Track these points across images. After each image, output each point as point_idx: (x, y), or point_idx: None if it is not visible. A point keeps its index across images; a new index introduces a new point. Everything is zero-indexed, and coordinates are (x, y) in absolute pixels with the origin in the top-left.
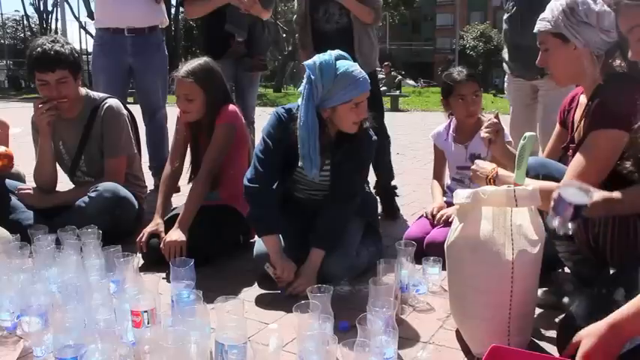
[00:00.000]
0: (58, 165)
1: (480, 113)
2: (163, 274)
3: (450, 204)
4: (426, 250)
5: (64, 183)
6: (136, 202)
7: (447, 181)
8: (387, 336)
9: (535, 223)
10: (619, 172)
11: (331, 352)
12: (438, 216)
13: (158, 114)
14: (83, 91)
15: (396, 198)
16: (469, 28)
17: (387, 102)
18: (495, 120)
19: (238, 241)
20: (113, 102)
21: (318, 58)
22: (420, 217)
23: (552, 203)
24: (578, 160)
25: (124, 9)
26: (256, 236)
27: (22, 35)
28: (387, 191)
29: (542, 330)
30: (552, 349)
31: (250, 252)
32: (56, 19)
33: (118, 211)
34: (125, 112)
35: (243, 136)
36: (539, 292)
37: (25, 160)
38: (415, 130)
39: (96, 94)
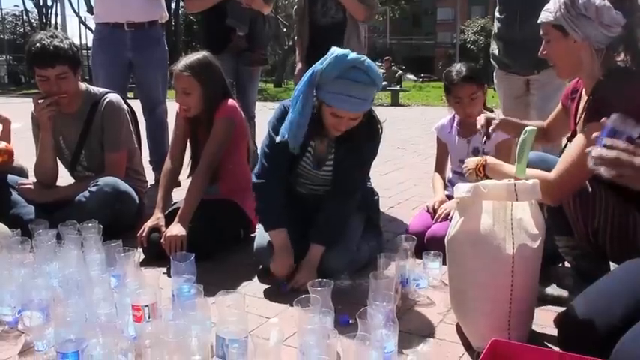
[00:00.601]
0: (58, 160)
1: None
2: (164, 269)
3: (451, 197)
4: (427, 245)
5: (64, 178)
6: (136, 197)
7: (449, 174)
8: (388, 330)
9: (535, 217)
10: None
11: (332, 346)
12: (439, 212)
13: (158, 109)
14: (83, 85)
15: (398, 192)
16: (470, 23)
17: (387, 96)
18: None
19: (239, 235)
20: (113, 97)
21: (342, 51)
22: (421, 211)
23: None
24: (569, 151)
25: (123, 3)
26: (257, 230)
27: (21, 30)
28: None
29: (542, 324)
30: (552, 344)
31: (251, 246)
32: (56, 14)
33: (119, 206)
34: (125, 106)
35: (242, 131)
36: (539, 286)
37: (25, 155)
38: (416, 124)
39: (96, 89)
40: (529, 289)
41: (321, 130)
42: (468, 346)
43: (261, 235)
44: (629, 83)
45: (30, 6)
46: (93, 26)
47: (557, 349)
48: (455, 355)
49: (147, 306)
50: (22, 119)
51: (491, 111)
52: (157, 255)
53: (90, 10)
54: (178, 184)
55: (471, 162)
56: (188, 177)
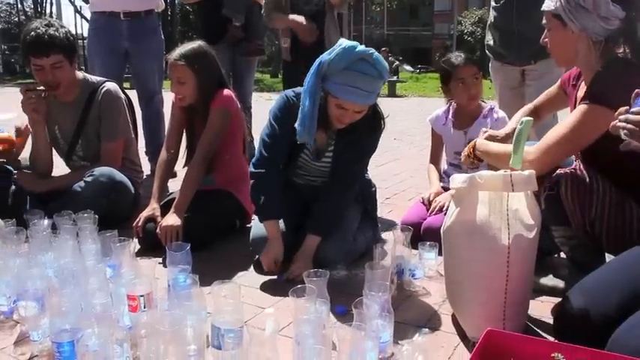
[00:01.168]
0: (53, 149)
1: (480, 99)
2: (159, 259)
3: (447, 189)
4: (423, 236)
5: (59, 168)
6: (132, 187)
7: (444, 166)
8: (383, 320)
9: (531, 207)
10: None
11: (327, 336)
12: (434, 205)
13: (154, 99)
14: (80, 74)
15: (394, 183)
16: (467, 14)
17: (384, 87)
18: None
19: (234, 225)
20: (111, 86)
21: (350, 43)
22: (415, 203)
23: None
24: (557, 127)
25: None
26: (253, 221)
27: (16, 19)
28: None
29: (537, 315)
30: (548, 334)
31: (246, 236)
32: (51, 3)
33: (114, 196)
34: (123, 96)
35: (238, 121)
36: (535, 277)
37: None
38: (412, 115)
39: (93, 78)
40: (524, 280)
41: (325, 122)
42: (463, 336)
43: (257, 226)
44: (629, 74)
45: None
46: (88, 15)
47: (552, 339)
48: (450, 345)
49: (142, 296)
50: (16, 109)
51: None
52: (152, 245)
53: None
54: (174, 175)
55: (465, 150)
56: (184, 167)
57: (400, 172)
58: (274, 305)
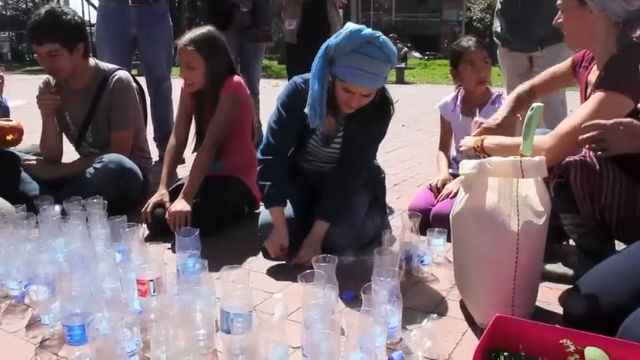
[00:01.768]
0: (64, 135)
1: (489, 84)
2: (169, 244)
3: (455, 175)
4: (432, 222)
5: (69, 154)
6: (140, 174)
7: (453, 152)
8: (392, 306)
9: (541, 194)
10: None
11: (336, 322)
12: (443, 191)
13: (163, 85)
14: (92, 62)
15: (402, 170)
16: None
17: (392, 74)
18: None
19: (243, 211)
20: (123, 74)
21: (357, 26)
22: (423, 189)
23: None
24: (574, 115)
25: None
26: (261, 207)
27: (24, 7)
28: None
29: (546, 302)
30: (556, 321)
31: (255, 222)
32: None
33: (123, 182)
34: (135, 84)
35: (247, 107)
36: (544, 264)
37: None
38: (421, 102)
39: (105, 65)
40: (533, 266)
41: (333, 107)
42: (471, 322)
43: (265, 212)
44: None
45: None
46: (95, 2)
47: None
48: (458, 331)
49: (152, 280)
50: (26, 96)
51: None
52: (161, 230)
53: None
54: (183, 161)
55: (468, 141)
56: (193, 152)
57: (408, 159)
58: (283, 290)
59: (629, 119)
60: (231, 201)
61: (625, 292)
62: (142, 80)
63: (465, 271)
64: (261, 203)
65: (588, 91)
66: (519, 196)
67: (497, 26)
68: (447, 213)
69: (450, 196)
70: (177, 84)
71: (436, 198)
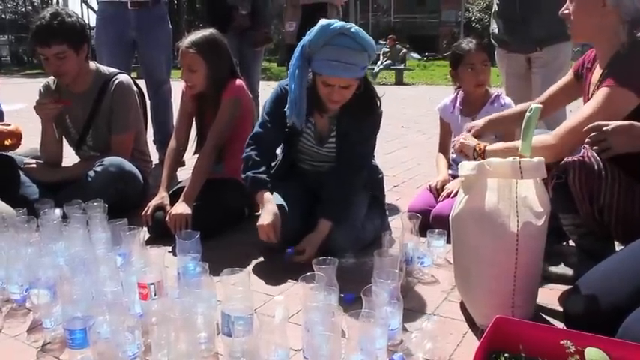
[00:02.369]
0: (64, 138)
1: (488, 85)
2: (169, 247)
3: (455, 177)
4: (432, 223)
5: (69, 158)
6: (141, 177)
7: (453, 154)
8: (392, 307)
9: (540, 195)
10: None
11: (336, 323)
12: (443, 193)
13: (162, 88)
14: (93, 65)
15: (402, 171)
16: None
17: (391, 75)
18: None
19: (243, 213)
20: (124, 78)
21: (327, 20)
22: (422, 190)
23: None
24: (580, 112)
25: None
26: (261, 210)
27: (23, 10)
28: None
29: (546, 302)
30: (557, 322)
31: (255, 225)
32: None
33: (123, 186)
34: (135, 88)
35: (248, 110)
36: (544, 264)
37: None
38: (420, 103)
39: (106, 69)
40: (533, 267)
41: (319, 105)
42: (472, 323)
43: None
44: None
45: None
46: (94, 5)
47: (561, 326)
48: (459, 332)
49: (153, 284)
50: (25, 99)
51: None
52: (161, 233)
53: None
54: (183, 164)
55: (467, 143)
56: (194, 154)
57: (408, 160)
58: (283, 292)
59: (628, 123)
60: (231, 204)
61: (625, 292)
62: (142, 83)
63: (465, 273)
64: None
65: (591, 89)
66: (519, 197)
67: (494, 28)
68: (447, 214)
69: (452, 195)
70: (177, 87)
71: (436, 199)
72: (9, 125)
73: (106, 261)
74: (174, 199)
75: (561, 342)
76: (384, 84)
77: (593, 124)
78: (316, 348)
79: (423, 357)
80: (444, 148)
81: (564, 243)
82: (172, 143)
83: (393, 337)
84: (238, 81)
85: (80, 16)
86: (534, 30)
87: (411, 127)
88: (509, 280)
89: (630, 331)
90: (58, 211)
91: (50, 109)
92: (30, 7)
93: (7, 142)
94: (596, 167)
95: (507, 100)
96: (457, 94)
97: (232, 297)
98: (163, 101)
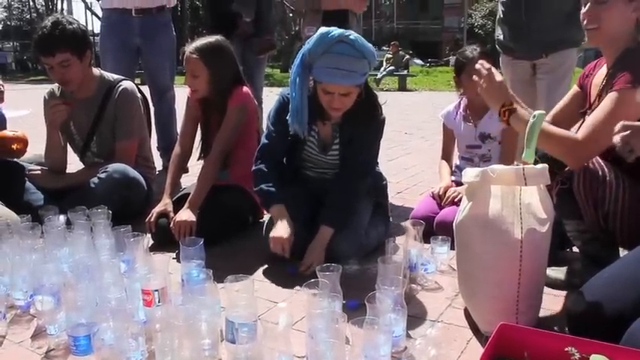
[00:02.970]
0: (68, 144)
1: None
2: (173, 254)
3: (459, 183)
4: (436, 230)
5: (74, 164)
6: (145, 184)
7: (456, 160)
8: (396, 314)
9: (544, 201)
10: None
11: (340, 330)
12: (449, 194)
13: (166, 94)
14: (97, 71)
15: (405, 178)
16: (477, 6)
17: (394, 81)
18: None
19: (247, 220)
20: (128, 84)
21: (326, 28)
22: (425, 197)
23: None
24: (597, 114)
25: None
26: (265, 216)
27: (28, 17)
28: None
29: (550, 309)
30: (561, 328)
31: (259, 231)
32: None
33: (127, 192)
34: (139, 95)
35: (254, 118)
36: (548, 271)
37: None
38: (423, 109)
39: (110, 76)
40: (537, 274)
41: (322, 113)
42: (476, 330)
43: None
44: None
45: None
46: (99, 12)
47: (566, 333)
48: (463, 339)
49: (157, 290)
50: (30, 106)
51: None
52: (165, 240)
53: None
54: (186, 170)
55: (498, 91)
56: (198, 160)
57: (411, 167)
58: (287, 299)
59: None
60: (235, 211)
61: (629, 298)
62: (145, 89)
63: (468, 279)
64: (265, 212)
65: (593, 93)
66: (522, 203)
67: (499, 34)
68: (451, 221)
69: (457, 199)
70: (181, 93)
71: (439, 206)
72: (16, 131)
73: (110, 267)
74: (177, 205)
75: (566, 349)
76: (386, 90)
77: (621, 123)
78: (320, 355)
79: None
80: (446, 155)
81: (568, 249)
82: (177, 149)
83: (396, 344)
84: (245, 88)
85: (84, 22)
86: (540, 36)
87: (414, 133)
88: (513, 286)
89: (635, 337)
90: (62, 218)
91: (62, 110)
92: (35, 14)
93: (14, 147)
94: (600, 173)
95: None
96: (460, 100)
97: (236, 304)
98: (167, 108)
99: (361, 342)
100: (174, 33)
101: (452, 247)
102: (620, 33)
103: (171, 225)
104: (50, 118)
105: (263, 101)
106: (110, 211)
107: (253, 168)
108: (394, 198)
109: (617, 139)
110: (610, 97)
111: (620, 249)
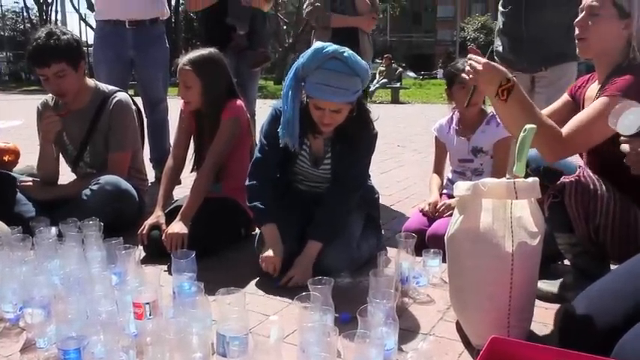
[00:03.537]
0: (61, 155)
1: (483, 105)
2: (165, 266)
3: (451, 197)
4: (428, 243)
5: (65, 175)
6: (137, 196)
7: (449, 174)
8: (388, 327)
9: (535, 215)
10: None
11: (332, 344)
12: (439, 208)
13: (159, 106)
14: (92, 82)
15: (398, 190)
16: (470, 20)
17: (387, 94)
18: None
19: (239, 233)
20: (123, 96)
21: (321, 44)
22: (415, 212)
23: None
24: (584, 114)
25: (124, 1)
26: (257, 229)
27: (21, 27)
28: None
29: (542, 322)
30: (552, 341)
31: (251, 244)
32: (56, 11)
33: (118, 204)
34: (134, 107)
35: (247, 130)
36: (539, 284)
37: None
38: (416, 122)
39: (105, 87)
40: (528, 287)
41: (313, 127)
42: (467, 343)
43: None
44: None
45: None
46: (93, 23)
47: (557, 346)
48: (454, 352)
49: (148, 303)
50: (22, 116)
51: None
52: (157, 252)
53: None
54: (179, 183)
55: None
56: (191, 172)
57: (404, 179)
58: (279, 313)
59: None
60: (227, 223)
61: (620, 311)
62: (138, 101)
63: (460, 293)
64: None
65: (586, 105)
66: (513, 217)
67: (498, 45)
68: (443, 234)
69: (446, 214)
70: (175, 104)
71: (428, 218)
72: (8, 142)
73: (101, 280)
74: (170, 217)
75: None
76: (380, 103)
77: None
78: None
79: None
80: (438, 169)
81: (560, 262)
82: (170, 162)
83: (388, 357)
84: (238, 101)
85: (78, 34)
86: (540, 49)
87: (407, 145)
88: (504, 300)
89: (625, 350)
90: (53, 230)
91: (55, 121)
92: (29, 25)
93: (6, 159)
94: (592, 186)
95: None
96: (453, 114)
97: (228, 317)
98: (160, 119)
99: (353, 356)
100: (168, 45)
101: (444, 260)
102: (610, 48)
103: (164, 237)
104: (44, 130)
105: (256, 113)
106: (102, 223)
107: (247, 183)
108: (386, 210)
109: (626, 147)
110: (600, 101)
111: (611, 263)
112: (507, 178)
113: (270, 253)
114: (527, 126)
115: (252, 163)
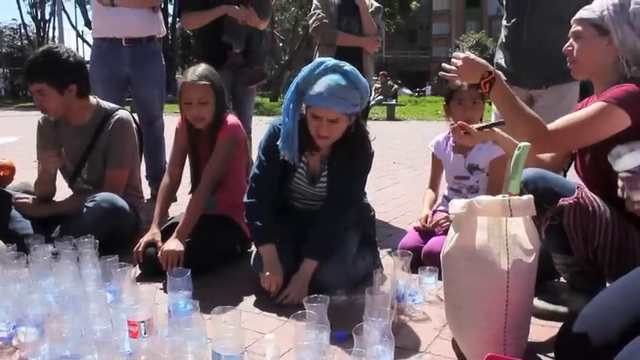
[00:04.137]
0: (58, 170)
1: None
2: (160, 284)
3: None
4: (424, 260)
5: (62, 191)
6: (133, 213)
7: (445, 191)
8: (384, 346)
9: (530, 232)
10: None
11: None
12: (434, 219)
13: (155, 124)
14: (94, 100)
15: (393, 207)
16: (465, 37)
17: (383, 111)
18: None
19: (235, 250)
20: (124, 114)
21: (322, 58)
22: (410, 231)
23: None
24: (572, 117)
25: (121, 19)
26: (253, 246)
27: (19, 44)
28: None
29: (538, 339)
30: (548, 359)
31: (247, 262)
32: (53, 28)
33: (114, 221)
34: (135, 125)
35: (243, 148)
36: (535, 301)
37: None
38: (411, 139)
39: (106, 104)
40: (524, 304)
41: (311, 143)
42: None
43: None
44: None
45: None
46: (90, 40)
47: None
48: None
49: (143, 322)
50: (18, 132)
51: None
52: (153, 270)
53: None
54: (175, 200)
55: (473, 67)
56: (189, 193)
57: (399, 196)
58: (275, 331)
59: None
60: (223, 241)
61: (616, 327)
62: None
63: (456, 310)
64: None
65: None
66: (508, 234)
67: (499, 58)
68: (438, 251)
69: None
70: (171, 121)
71: (422, 236)
72: (3, 159)
73: (96, 298)
74: (166, 235)
75: None
76: (375, 119)
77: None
78: None
79: None
80: (433, 185)
81: (556, 279)
82: (166, 179)
83: None
84: (233, 119)
85: (75, 51)
86: (541, 66)
87: (403, 162)
88: (500, 317)
89: None
90: (48, 247)
91: (54, 161)
92: (26, 41)
93: (1, 174)
94: (591, 208)
95: None
96: (449, 131)
97: (223, 335)
98: (156, 137)
99: None
100: (164, 62)
101: (439, 278)
102: (600, 65)
103: (159, 255)
104: (42, 165)
105: (252, 130)
106: (97, 241)
107: (245, 200)
108: (382, 228)
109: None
110: (595, 105)
111: (607, 282)
112: (502, 196)
113: (272, 274)
114: (522, 144)
115: (251, 179)
